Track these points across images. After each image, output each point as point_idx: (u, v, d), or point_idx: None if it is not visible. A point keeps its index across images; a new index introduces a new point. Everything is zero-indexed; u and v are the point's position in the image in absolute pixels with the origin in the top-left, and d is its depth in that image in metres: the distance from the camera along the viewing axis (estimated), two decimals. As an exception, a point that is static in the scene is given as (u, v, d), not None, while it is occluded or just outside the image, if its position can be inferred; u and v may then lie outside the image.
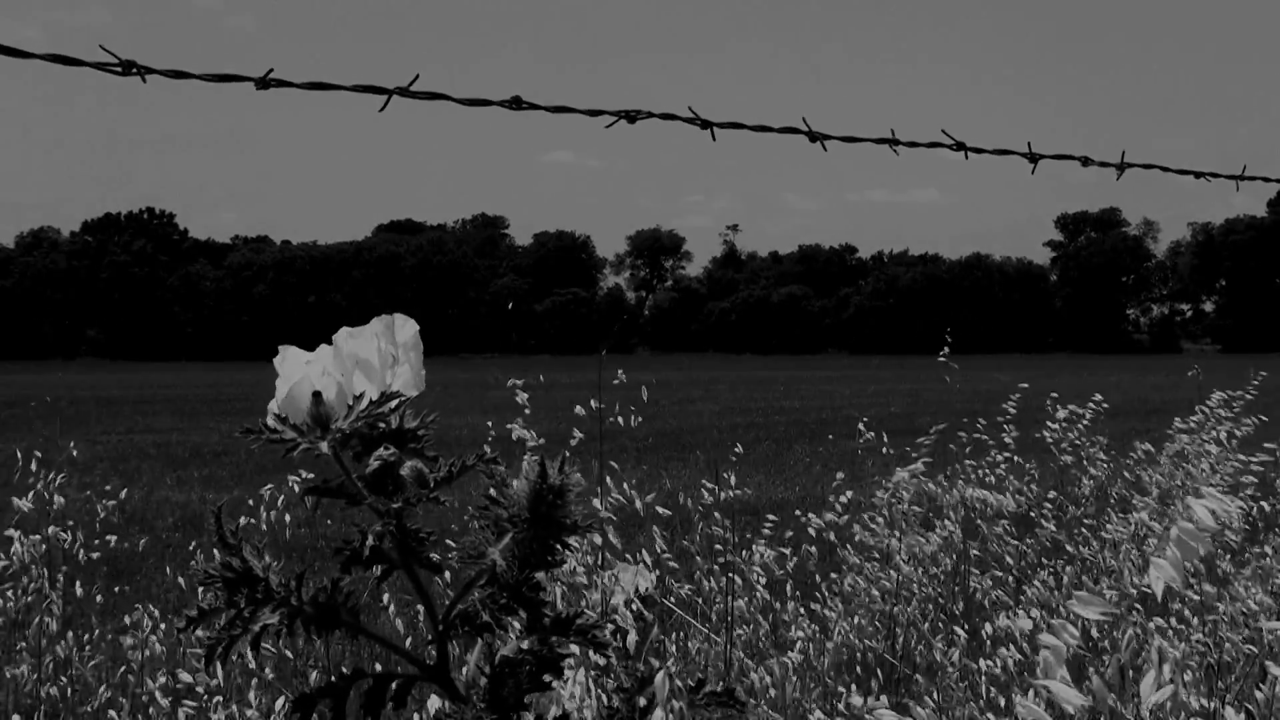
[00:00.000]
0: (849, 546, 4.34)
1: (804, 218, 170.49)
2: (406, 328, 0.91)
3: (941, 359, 5.38)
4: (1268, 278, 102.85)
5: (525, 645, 0.87)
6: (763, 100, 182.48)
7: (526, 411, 3.56)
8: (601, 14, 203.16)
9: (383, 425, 0.83)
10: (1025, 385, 5.19)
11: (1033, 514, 4.83)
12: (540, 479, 0.86)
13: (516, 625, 0.86)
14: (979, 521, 4.69)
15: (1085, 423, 5.05)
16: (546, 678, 0.87)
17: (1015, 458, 5.03)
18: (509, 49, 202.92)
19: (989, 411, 5.14)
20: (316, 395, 0.84)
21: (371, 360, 0.89)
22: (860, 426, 5.17)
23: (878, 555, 4.26)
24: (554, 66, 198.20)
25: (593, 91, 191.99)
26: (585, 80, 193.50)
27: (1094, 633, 3.40)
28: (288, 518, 3.96)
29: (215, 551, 0.84)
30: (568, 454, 0.87)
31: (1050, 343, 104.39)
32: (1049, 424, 5.01)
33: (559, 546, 0.86)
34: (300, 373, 0.86)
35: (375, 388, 0.88)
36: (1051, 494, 4.99)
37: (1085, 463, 5.10)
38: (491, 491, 0.87)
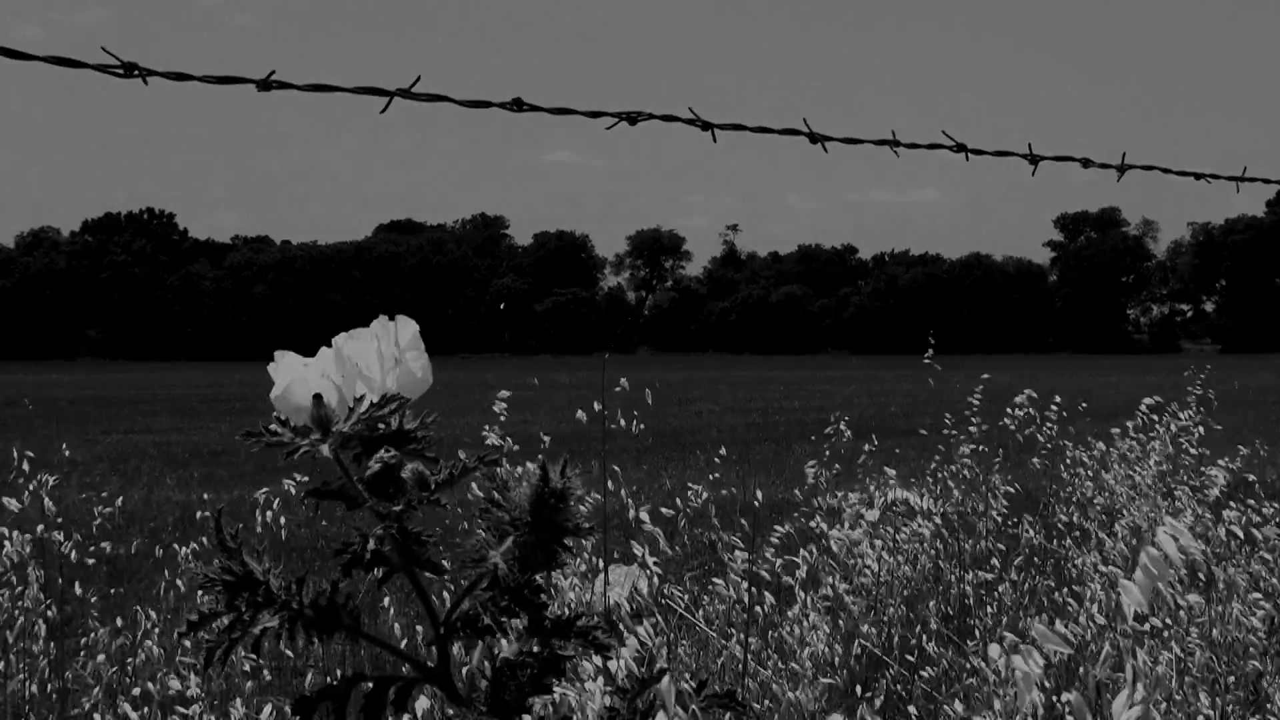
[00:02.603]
0: (830, 549, 4.35)
1: (804, 218, 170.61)
2: (407, 329, 0.91)
3: (926, 360, 5.38)
4: (1268, 278, 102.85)
5: (526, 647, 0.87)
6: (764, 100, 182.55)
7: (503, 419, 3.58)
8: (603, 14, 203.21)
9: (383, 426, 0.83)
10: (986, 376, 5.20)
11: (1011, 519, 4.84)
12: (542, 482, 0.86)
13: (518, 625, 0.86)
14: (955, 518, 4.70)
15: (1052, 423, 5.05)
16: (548, 680, 0.87)
17: (983, 448, 5.03)
18: (510, 48, 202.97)
19: (987, 411, 5.14)
20: (317, 398, 0.84)
21: (371, 362, 0.89)
22: (841, 426, 5.19)
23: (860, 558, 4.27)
24: (555, 66, 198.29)
25: (593, 92, 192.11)
26: (586, 80, 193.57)
27: (1088, 635, 3.40)
28: (283, 520, 3.96)
29: (217, 555, 0.84)
30: (568, 456, 0.87)
31: (1050, 343, 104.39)
32: (1009, 413, 5.02)
33: (560, 549, 0.86)
34: (294, 376, 0.86)
35: (376, 390, 0.88)
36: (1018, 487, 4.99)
37: (1071, 465, 5.10)
38: (494, 494, 0.87)
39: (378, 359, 0.88)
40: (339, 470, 0.83)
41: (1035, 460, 5.14)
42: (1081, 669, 2.77)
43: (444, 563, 0.85)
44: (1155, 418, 4.79)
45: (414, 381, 0.89)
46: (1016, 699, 1.76)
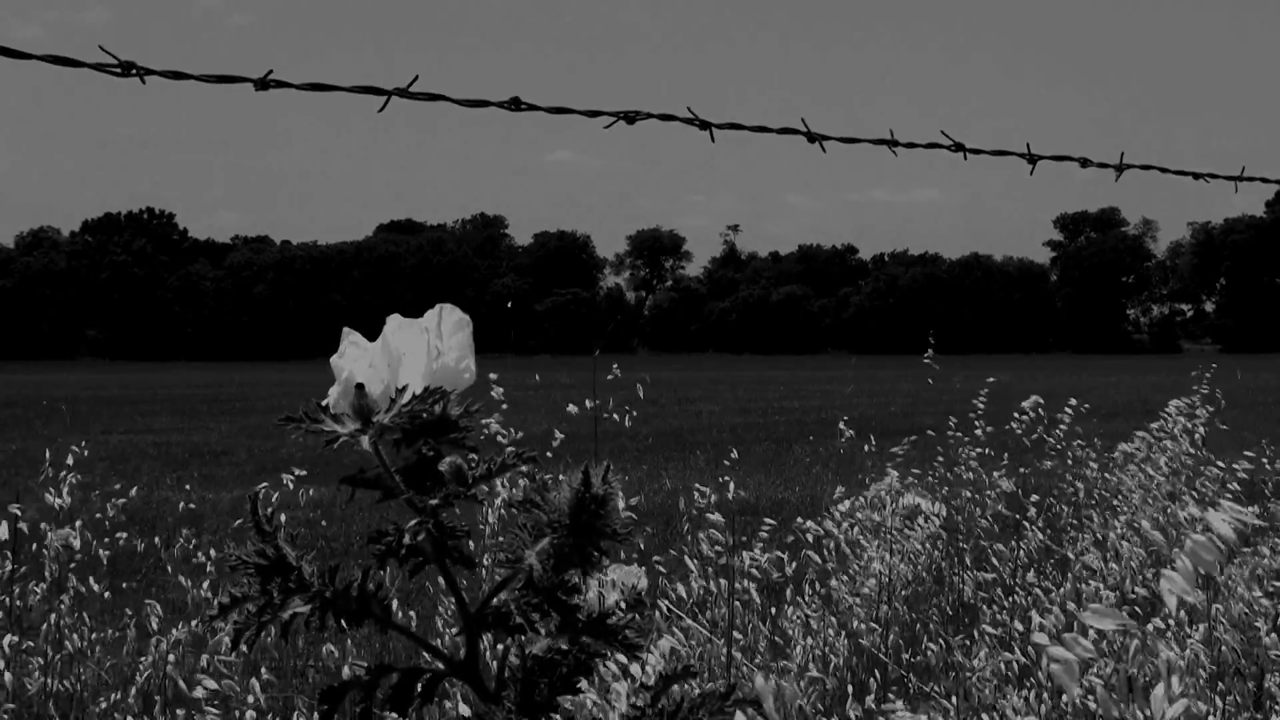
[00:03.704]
0: (836, 550, 4.35)
1: (804, 218, 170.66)
2: (455, 320, 0.91)
3: (926, 360, 5.38)
4: (1267, 277, 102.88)
5: (557, 644, 0.87)
6: (762, 100, 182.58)
7: (504, 406, 3.59)
8: (601, 13, 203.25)
9: (424, 415, 0.83)
10: (992, 379, 5.20)
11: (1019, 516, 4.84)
12: (584, 487, 0.87)
13: (548, 624, 0.86)
14: (960, 518, 4.70)
15: (1063, 425, 5.05)
16: (578, 680, 0.87)
17: (988, 451, 5.03)
18: (509, 47, 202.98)
19: (988, 412, 5.14)
20: (359, 387, 0.84)
21: (418, 352, 0.89)
22: (841, 426, 5.19)
23: (864, 559, 4.27)
24: (554, 65, 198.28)
25: (592, 91, 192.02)
26: (585, 80, 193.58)
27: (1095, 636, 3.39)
28: (283, 517, 3.95)
29: (239, 542, 0.84)
30: (610, 463, 0.87)
31: (1050, 343, 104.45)
32: (1016, 416, 5.02)
33: (596, 552, 0.86)
34: (353, 363, 0.86)
35: (420, 380, 0.88)
36: (1034, 497, 4.99)
37: (1072, 464, 5.10)
38: (532, 495, 0.87)
39: (425, 350, 0.88)
40: (379, 462, 0.83)
41: (1046, 462, 5.14)
42: (1099, 664, 2.76)
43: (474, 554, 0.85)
44: (1171, 418, 4.78)
45: (458, 375, 0.89)
46: (1057, 693, 1.72)
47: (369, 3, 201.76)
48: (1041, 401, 5.01)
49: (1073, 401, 5.09)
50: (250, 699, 3.28)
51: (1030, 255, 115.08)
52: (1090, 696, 2.49)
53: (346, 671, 3.41)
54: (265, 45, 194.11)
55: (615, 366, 3.84)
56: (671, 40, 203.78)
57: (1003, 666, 3.53)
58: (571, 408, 3.75)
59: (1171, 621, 3.35)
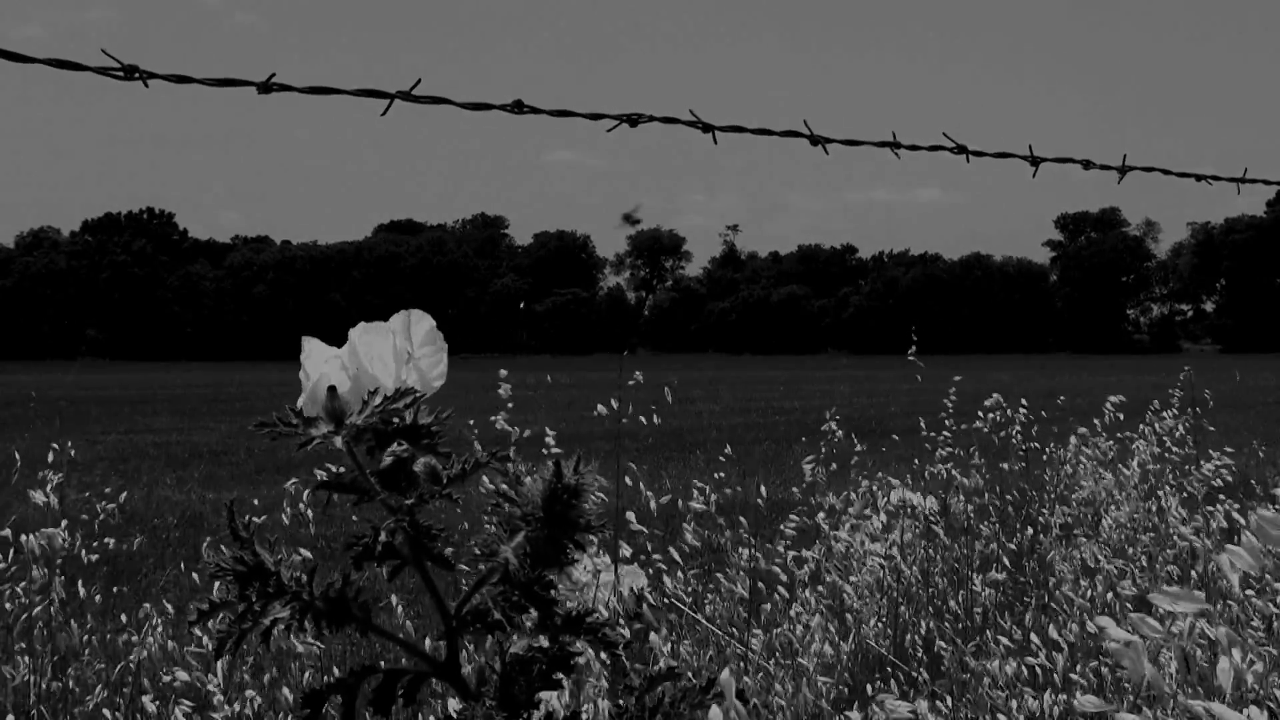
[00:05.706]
0: (832, 548, 4.35)
1: (804, 218, 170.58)
2: (423, 324, 0.92)
3: (910, 358, 5.37)
4: (1268, 278, 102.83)
5: (536, 643, 0.87)
6: (764, 100, 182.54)
7: (510, 405, 3.60)
8: (604, 14, 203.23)
9: (397, 420, 0.84)
10: (1002, 377, 5.21)
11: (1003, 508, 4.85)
12: (556, 478, 0.87)
13: (526, 623, 0.86)
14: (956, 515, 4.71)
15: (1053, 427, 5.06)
16: (557, 676, 0.87)
17: (972, 449, 5.03)
18: (512, 46, 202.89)
19: (966, 411, 5.14)
20: (331, 390, 0.84)
21: (387, 356, 0.89)
22: (832, 425, 5.18)
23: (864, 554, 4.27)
24: (556, 67, 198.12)
25: (595, 91, 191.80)
26: (587, 79, 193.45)
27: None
28: (285, 511, 3.96)
29: (222, 546, 0.84)
30: (581, 453, 0.87)
31: (1050, 343, 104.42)
32: (1021, 413, 5.02)
33: (572, 545, 0.86)
34: (321, 367, 0.86)
35: (391, 383, 0.89)
36: (1018, 493, 5.00)
37: (1059, 464, 5.11)
38: (504, 488, 0.87)
39: (393, 353, 0.88)
40: (353, 463, 0.83)
41: (1046, 457, 5.14)
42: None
43: (453, 556, 0.85)
44: (1140, 418, 4.79)
45: (428, 377, 0.89)
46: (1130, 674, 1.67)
47: (371, 3, 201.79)
48: (1026, 401, 5.01)
49: (1106, 405, 5.09)
50: (217, 697, 3.28)
51: (1030, 255, 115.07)
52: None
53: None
54: (266, 44, 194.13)
55: (639, 374, 3.86)
56: (673, 40, 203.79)
57: (1007, 667, 3.53)
58: (599, 409, 3.76)
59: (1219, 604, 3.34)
